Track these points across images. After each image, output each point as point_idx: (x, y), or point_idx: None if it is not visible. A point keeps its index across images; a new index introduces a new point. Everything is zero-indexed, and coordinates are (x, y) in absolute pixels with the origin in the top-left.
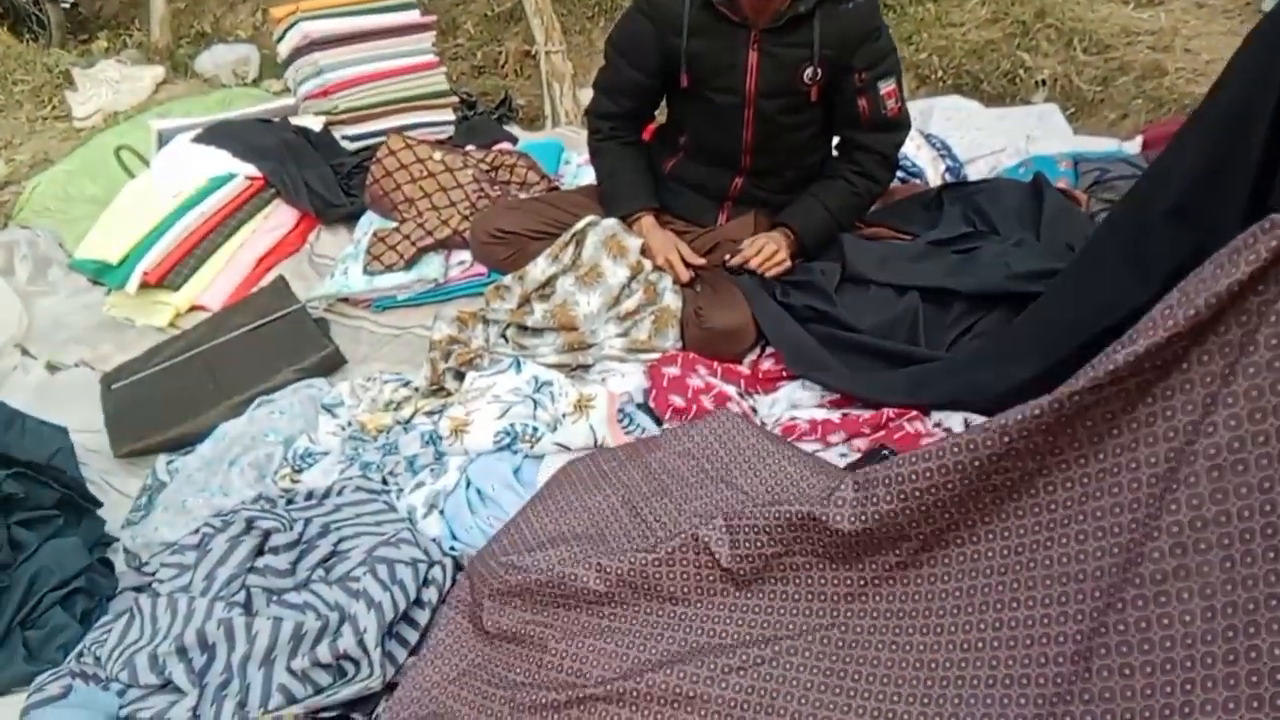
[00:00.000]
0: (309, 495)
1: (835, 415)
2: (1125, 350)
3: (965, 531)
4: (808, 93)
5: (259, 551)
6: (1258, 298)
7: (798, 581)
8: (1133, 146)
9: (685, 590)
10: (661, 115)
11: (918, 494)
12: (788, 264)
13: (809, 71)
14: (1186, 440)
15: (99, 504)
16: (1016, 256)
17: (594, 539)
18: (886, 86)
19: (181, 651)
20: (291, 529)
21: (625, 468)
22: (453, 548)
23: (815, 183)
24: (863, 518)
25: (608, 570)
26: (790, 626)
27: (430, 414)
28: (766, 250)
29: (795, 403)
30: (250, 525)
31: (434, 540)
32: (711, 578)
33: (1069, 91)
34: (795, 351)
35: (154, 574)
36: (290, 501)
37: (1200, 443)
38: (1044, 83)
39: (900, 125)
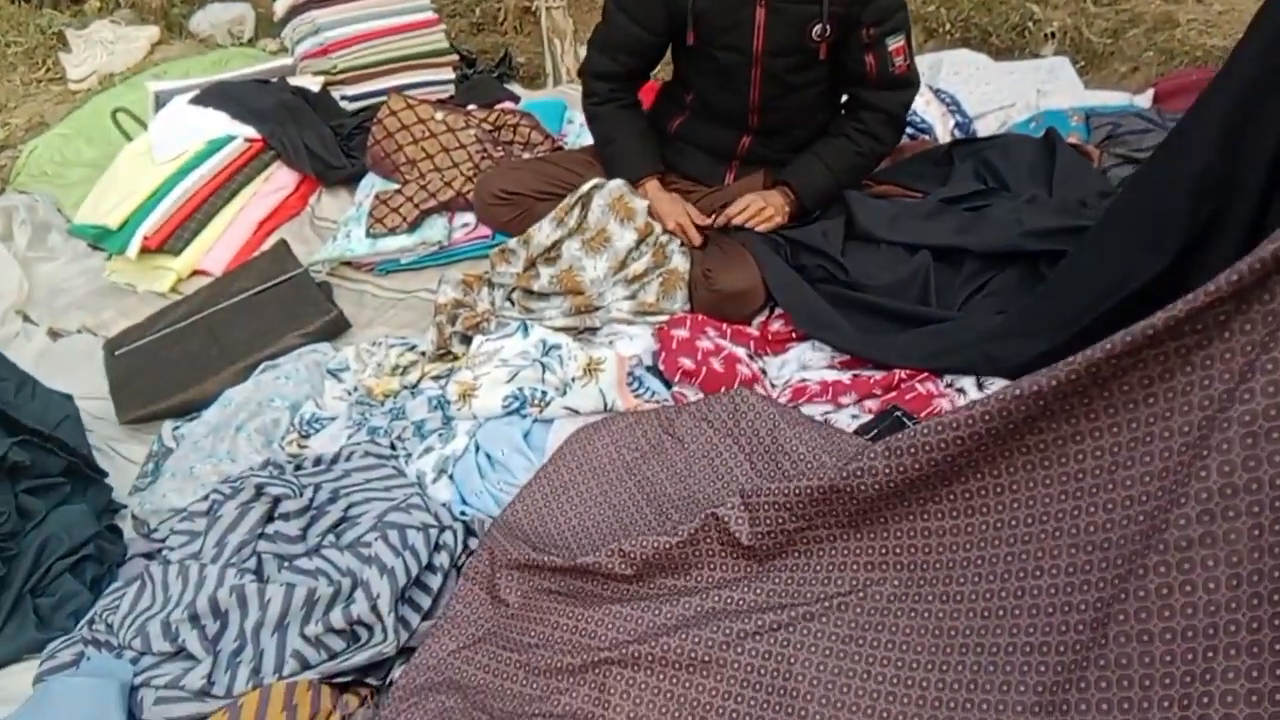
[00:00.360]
0: (317, 461)
1: (846, 376)
2: (1165, 315)
3: (992, 499)
4: (816, 50)
5: (269, 518)
6: None
7: (820, 553)
8: (1144, 100)
9: (709, 567)
10: (664, 73)
11: (948, 460)
12: (779, 220)
13: (818, 29)
14: (1220, 408)
15: (104, 474)
16: (1029, 213)
17: (616, 533)
18: (894, 43)
19: (194, 619)
20: (301, 495)
21: (649, 462)
22: (463, 512)
23: (818, 140)
24: (890, 484)
25: (630, 555)
26: (809, 595)
27: (437, 378)
28: (753, 207)
29: (805, 364)
30: (259, 491)
31: (444, 505)
32: (735, 554)
33: (1079, 44)
34: (805, 312)
35: (164, 541)
36: (299, 467)
37: (1235, 409)
38: (1053, 35)
39: (908, 84)
